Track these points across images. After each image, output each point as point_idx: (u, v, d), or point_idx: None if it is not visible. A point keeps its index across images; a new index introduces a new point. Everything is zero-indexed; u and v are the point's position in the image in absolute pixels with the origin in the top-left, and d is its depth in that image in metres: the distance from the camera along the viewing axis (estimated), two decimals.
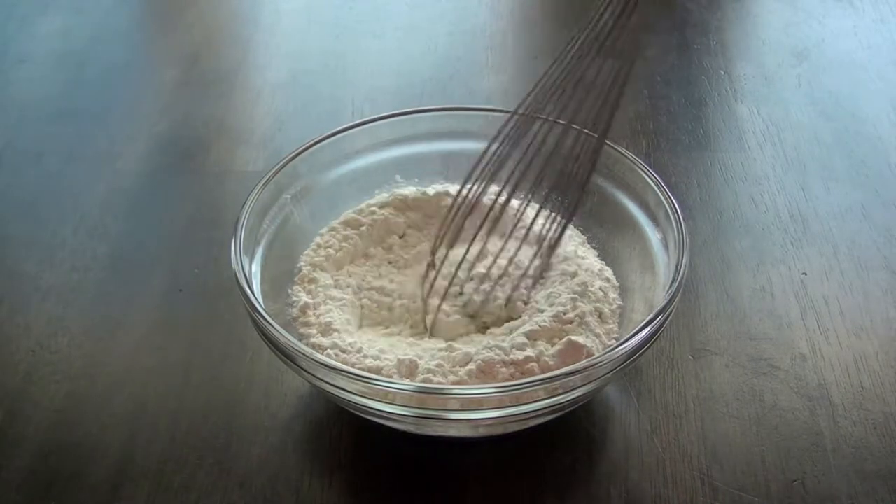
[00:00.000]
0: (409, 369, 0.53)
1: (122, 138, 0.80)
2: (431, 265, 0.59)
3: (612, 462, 0.56)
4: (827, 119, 0.81)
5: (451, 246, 0.58)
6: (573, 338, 0.54)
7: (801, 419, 0.58)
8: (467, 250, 0.58)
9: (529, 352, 0.54)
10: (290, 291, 0.60)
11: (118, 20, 0.97)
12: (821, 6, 0.95)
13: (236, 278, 0.55)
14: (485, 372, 0.53)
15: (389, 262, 0.63)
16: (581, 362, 0.52)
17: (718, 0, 0.97)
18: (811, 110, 0.82)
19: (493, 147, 0.56)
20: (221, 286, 0.63)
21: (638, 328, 0.52)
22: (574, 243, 0.63)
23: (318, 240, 0.63)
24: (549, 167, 0.55)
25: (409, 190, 0.66)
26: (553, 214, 0.58)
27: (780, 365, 0.61)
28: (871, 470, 0.55)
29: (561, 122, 0.54)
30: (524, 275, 0.58)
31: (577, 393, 0.51)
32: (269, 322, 0.53)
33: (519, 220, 0.60)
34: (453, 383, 0.53)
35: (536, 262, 0.59)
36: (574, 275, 0.59)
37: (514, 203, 0.58)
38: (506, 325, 0.58)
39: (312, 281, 0.60)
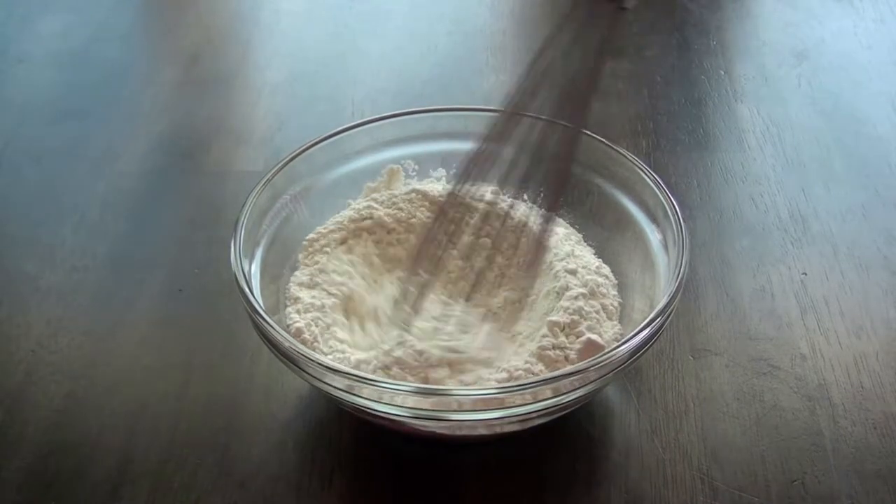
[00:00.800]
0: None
1: (122, 138, 0.80)
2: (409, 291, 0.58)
3: (612, 462, 0.56)
4: (827, 119, 0.81)
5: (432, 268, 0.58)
6: (591, 336, 0.55)
7: (801, 419, 0.58)
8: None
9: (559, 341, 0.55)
10: (288, 290, 0.60)
11: (118, 20, 0.97)
12: (821, 6, 0.95)
13: (236, 279, 0.55)
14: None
15: (381, 260, 0.63)
16: (581, 363, 0.52)
17: (718, 0, 0.97)
18: (811, 110, 0.82)
19: (477, 149, 0.56)
20: (221, 286, 0.63)
21: (638, 328, 0.52)
22: (570, 242, 0.63)
23: (314, 235, 0.63)
24: (530, 163, 0.56)
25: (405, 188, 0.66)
26: (537, 209, 0.59)
27: (780, 365, 0.61)
28: (871, 470, 0.55)
29: (534, 116, 0.55)
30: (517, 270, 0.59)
31: (577, 393, 0.51)
32: (268, 323, 0.53)
33: (505, 219, 0.61)
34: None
35: (528, 257, 0.59)
36: (574, 272, 0.59)
37: (499, 203, 0.60)
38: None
39: (311, 280, 0.60)
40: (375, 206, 0.64)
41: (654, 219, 0.60)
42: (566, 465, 0.55)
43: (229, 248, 0.56)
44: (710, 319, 0.64)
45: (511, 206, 0.61)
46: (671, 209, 0.58)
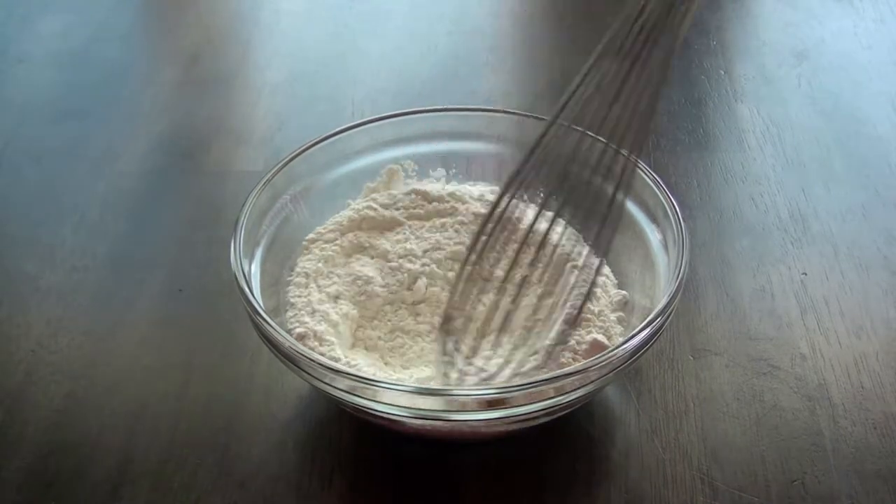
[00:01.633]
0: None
1: (122, 138, 0.80)
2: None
3: (612, 462, 0.56)
4: (827, 119, 0.81)
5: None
6: (598, 337, 0.55)
7: (801, 419, 0.58)
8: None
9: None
10: (288, 291, 0.60)
11: (118, 20, 0.97)
12: (821, 6, 0.95)
13: (236, 279, 0.55)
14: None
15: (380, 257, 0.62)
16: (581, 363, 0.52)
17: (718, 0, 0.97)
18: (811, 110, 0.82)
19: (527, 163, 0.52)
20: (221, 286, 0.63)
21: (638, 329, 0.52)
22: (570, 241, 0.63)
23: (314, 236, 0.63)
24: (577, 191, 0.52)
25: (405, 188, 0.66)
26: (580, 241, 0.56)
27: (780, 365, 0.61)
28: (871, 470, 0.55)
29: (596, 136, 0.51)
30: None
31: (577, 393, 0.51)
32: (268, 323, 0.53)
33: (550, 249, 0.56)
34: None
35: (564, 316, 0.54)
36: (581, 268, 0.59)
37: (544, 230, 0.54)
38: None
39: (310, 280, 0.60)
40: (375, 206, 0.64)
41: (654, 219, 0.60)
42: (566, 465, 0.55)
43: (229, 248, 0.56)
44: (710, 319, 0.64)
45: (555, 234, 0.56)
46: (671, 209, 0.58)
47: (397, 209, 0.64)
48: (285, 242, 0.61)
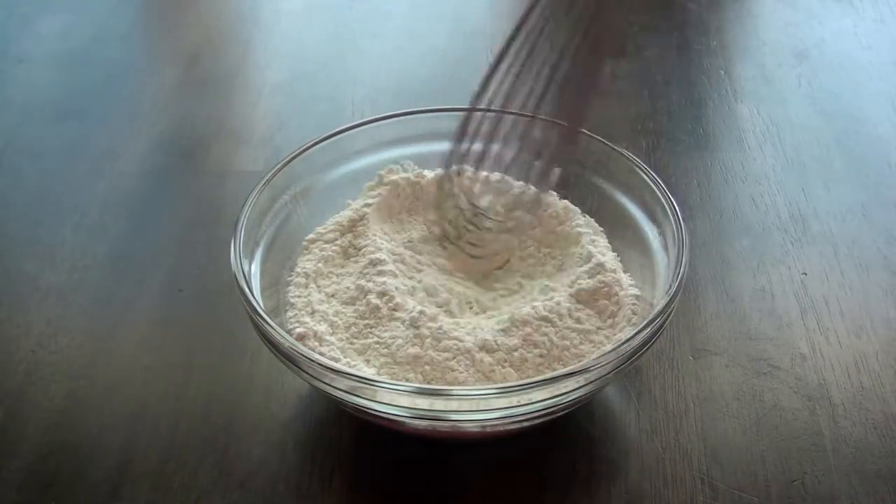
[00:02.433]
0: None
1: (122, 138, 0.80)
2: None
3: (612, 462, 0.56)
4: (827, 119, 0.81)
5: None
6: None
7: (801, 419, 0.58)
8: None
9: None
10: (288, 291, 0.60)
11: (118, 20, 0.97)
12: (821, 6, 0.95)
13: (236, 279, 0.55)
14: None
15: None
16: (581, 363, 0.52)
17: (718, 0, 0.97)
18: (811, 110, 0.82)
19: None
20: (221, 286, 0.63)
21: (638, 328, 0.52)
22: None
23: (313, 236, 0.63)
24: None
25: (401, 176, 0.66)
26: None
27: (780, 365, 0.61)
28: (871, 470, 0.55)
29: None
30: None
31: (577, 393, 0.51)
32: (268, 323, 0.53)
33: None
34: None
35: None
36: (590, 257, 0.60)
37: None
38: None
39: (310, 280, 0.60)
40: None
41: (654, 219, 0.60)
42: (566, 465, 0.55)
43: (229, 248, 0.56)
44: (710, 319, 0.64)
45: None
46: (671, 209, 0.58)
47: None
48: (285, 242, 0.61)
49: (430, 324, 0.55)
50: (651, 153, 0.76)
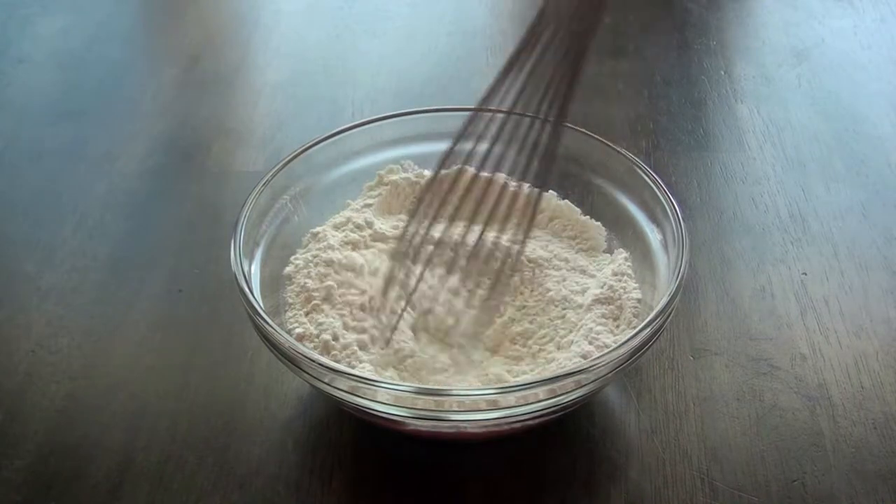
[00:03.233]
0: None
1: (122, 138, 0.80)
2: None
3: (612, 462, 0.56)
4: (827, 119, 0.81)
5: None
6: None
7: (801, 419, 0.58)
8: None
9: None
10: (288, 290, 0.60)
11: (118, 20, 0.97)
12: (821, 6, 0.95)
13: (236, 279, 0.55)
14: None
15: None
16: (581, 363, 0.52)
17: (718, 0, 0.97)
18: (811, 110, 0.82)
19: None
20: (221, 286, 0.63)
21: (638, 328, 0.52)
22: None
23: (311, 235, 0.63)
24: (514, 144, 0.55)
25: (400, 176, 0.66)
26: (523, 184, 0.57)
27: (780, 365, 0.61)
28: (871, 470, 0.55)
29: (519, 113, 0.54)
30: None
31: (577, 393, 0.51)
32: (268, 323, 0.53)
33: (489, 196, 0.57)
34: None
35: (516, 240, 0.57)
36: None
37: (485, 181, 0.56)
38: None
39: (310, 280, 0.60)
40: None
41: (654, 219, 0.60)
42: (566, 465, 0.55)
43: (229, 248, 0.56)
44: (710, 319, 0.64)
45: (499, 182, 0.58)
46: (671, 209, 0.58)
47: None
48: (285, 242, 0.61)
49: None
50: (651, 153, 0.76)
